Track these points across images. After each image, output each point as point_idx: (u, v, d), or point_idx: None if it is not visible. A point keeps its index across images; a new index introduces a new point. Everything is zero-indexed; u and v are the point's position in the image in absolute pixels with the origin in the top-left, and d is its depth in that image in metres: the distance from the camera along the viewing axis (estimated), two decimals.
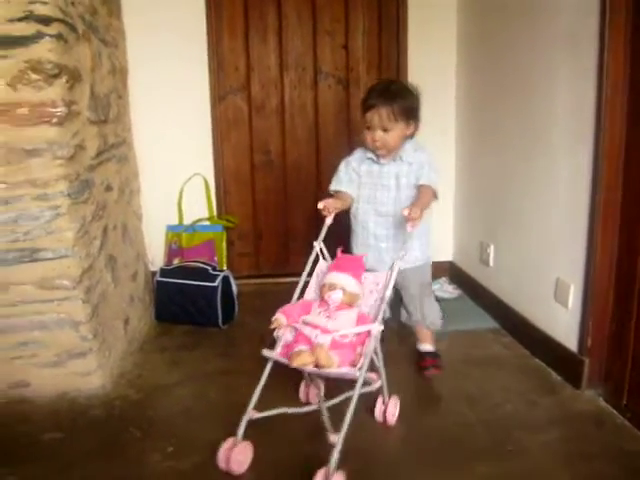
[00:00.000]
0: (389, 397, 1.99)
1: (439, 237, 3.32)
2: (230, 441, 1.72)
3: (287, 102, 3.25)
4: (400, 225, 2.09)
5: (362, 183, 2.20)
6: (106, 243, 2.43)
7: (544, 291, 2.38)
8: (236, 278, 3.01)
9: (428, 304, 2.32)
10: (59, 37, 1.98)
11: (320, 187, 3.33)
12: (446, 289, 3.08)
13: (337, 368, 1.67)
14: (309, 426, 1.83)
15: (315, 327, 1.76)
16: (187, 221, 3.19)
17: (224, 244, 3.18)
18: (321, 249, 2.02)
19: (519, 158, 2.58)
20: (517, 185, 2.61)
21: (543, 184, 2.39)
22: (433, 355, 2.34)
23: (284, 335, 1.82)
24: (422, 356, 2.35)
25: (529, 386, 2.24)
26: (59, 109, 2.00)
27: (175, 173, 3.18)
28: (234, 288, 2.92)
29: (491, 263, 2.89)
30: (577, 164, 2.12)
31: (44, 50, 1.94)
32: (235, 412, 1.75)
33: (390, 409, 1.99)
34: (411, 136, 2.14)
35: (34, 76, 1.95)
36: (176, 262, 3.05)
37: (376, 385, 1.91)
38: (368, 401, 1.97)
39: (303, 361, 1.66)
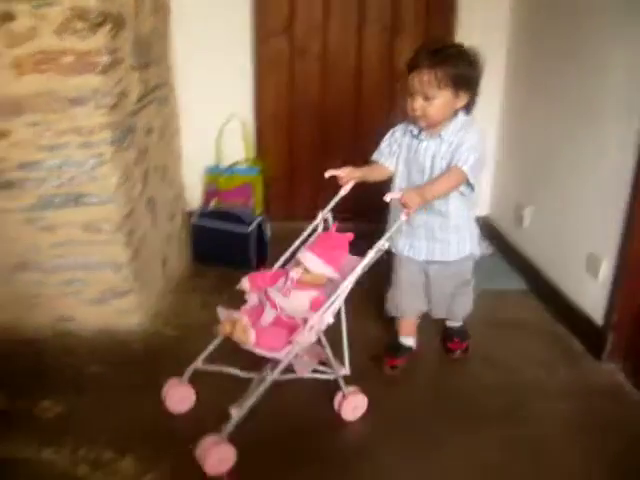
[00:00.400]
0: (350, 392, 1.89)
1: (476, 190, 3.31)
2: (173, 381, 1.89)
3: (330, 47, 3.17)
4: (434, 212, 1.93)
5: (400, 157, 1.99)
6: (147, 186, 2.50)
7: (576, 260, 2.38)
8: (271, 220, 3.08)
9: (460, 302, 2.16)
10: None
11: (359, 134, 3.30)
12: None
13: (254, 346, 1.66)
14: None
15: (268, 299, 1.79)
16: (225, 163, 3.22)
17: (261, 187, 3.22)
18: (326, 220, 1.91)
19: (567, 123, 2.51)
20: (561, 150, 2.55)
21: (587, 153, 2.33)
22: (462, 336, 2.24)
23: (251, 299, 1.85)
24: (450, 335, 2.26)
25: (550, 353, 2.29)
26: (103, 57, 2.02)
27: (214, 114, 3.17)
28: (267, 233, 2.98)
29: (526, 224, 2.87)
30: (625, 137, 2.06)
31: None
32: None
33: (348, 404, 1.89)
34: (466, 111, 1.87)
35: (79, 24, 1.96)
36: (213, 204, 3.12)
37: (328, 375, 1.88)
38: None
39: (223, 330, 1.71)
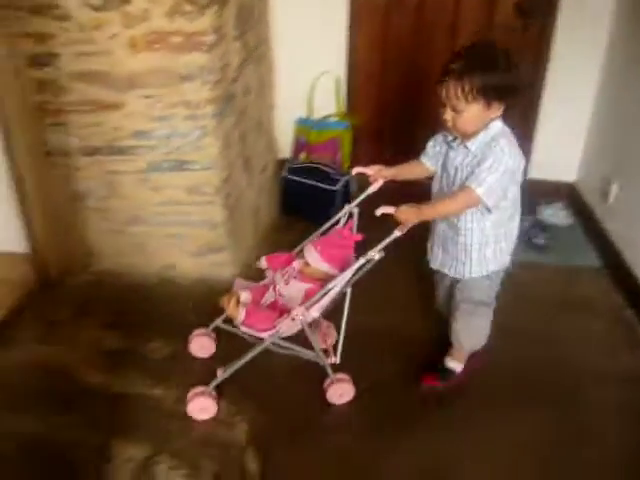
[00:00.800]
0: (338, 379, 2.00)
1: (564, 154, 3.28)
2: (200, 330, 2.17)
3: (427, 1, 3.12)
4: (449, 223, 1.85)
5: (440, 161, 1.89)
6: (244, 145, 2.69)
7: None
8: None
9: (464, 324, 1.98)
10: None
11: None
12: (558, 215, 3.08)
13: (241, 324, 1.85)
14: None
15: (273, 282, 1.97)
16: (316, 115, 3.32)
17: (349, 141, 3.32)
18: (351, 214, 1.97)
19: None
20: None
21: None
22: (444, 374, 2.10)
23: (268, 276, 2.04)
24: (432, 365, 2.12)
25: (614, 337, 2.35)
26: (209, 37, 2.15)
27: (308, 66, 3.24)
28: (353, 188, 3.12)
29: (611, 199, 2.83)
30: None
31: None
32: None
33: (334, 390, 2.00)
34: (504, 119, 1.72)
35: (188, 7, 2.09)
36: (302, 157, 3.27)
37: (319, 360, 1.98)
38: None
39: (222, 302, 1.89)
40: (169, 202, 2.48)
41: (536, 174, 3.28)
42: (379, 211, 1.68)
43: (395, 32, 3.22)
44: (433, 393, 2.08)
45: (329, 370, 2.01)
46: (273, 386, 2.09)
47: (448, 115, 1.69)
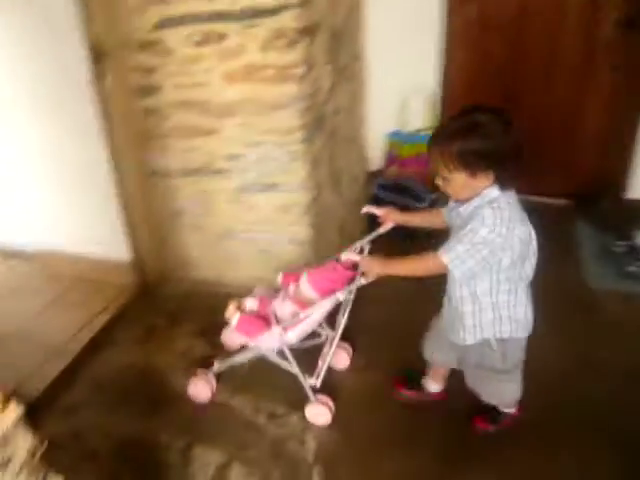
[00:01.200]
0: (315, 401, 2.10)
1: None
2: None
3: (524, 15, 3.03)
4: (448, 290, 1.81)
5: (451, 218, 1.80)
6: (333, 164, 2.78)
7: None
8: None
9: (491, 388, 1.92)
10: (302, 4, 2.14)
11: (548, 110, 3.19)
12: None
13: (232, 330, 2.03)
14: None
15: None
16: (408, 128, 3.35)
17: None
18: (362, 248, 2.03)
19: None
20: None
21: None
22: (492, 415, 2.04)
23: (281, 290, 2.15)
24: (481, 405, 2.01)
25: None
26: (300, 69, 2.25)
27: (400, 80, 3.27)
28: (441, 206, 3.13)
29: None
30: None
31: (288, 19, 2.15)
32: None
33: (311, 409, 2.11)
34: (501, 186, 1.57)
35: (279, 42, 2.20)
36: (392, 171, 3.31)
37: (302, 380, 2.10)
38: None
39: (227, 306, 2.04)
40: (259, 220, 2.63)
41: (636, 194, 3.12)
42: (344, 256, 1.84)
43: (491, 46, 3.17)
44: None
45: (307, 391, 2.11)
46: (342, 404, 2.18)
47: (439, 181, 1.64)
